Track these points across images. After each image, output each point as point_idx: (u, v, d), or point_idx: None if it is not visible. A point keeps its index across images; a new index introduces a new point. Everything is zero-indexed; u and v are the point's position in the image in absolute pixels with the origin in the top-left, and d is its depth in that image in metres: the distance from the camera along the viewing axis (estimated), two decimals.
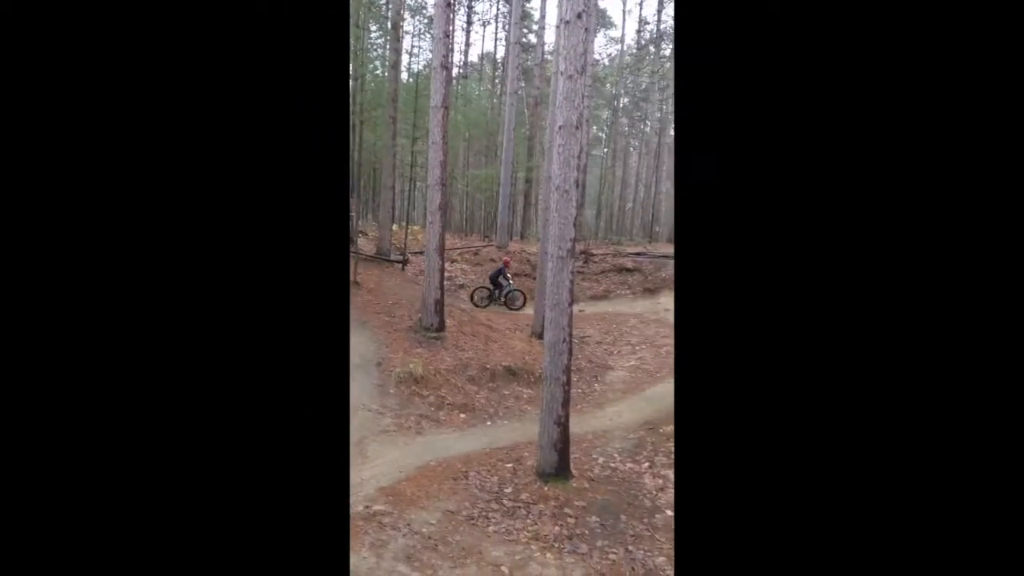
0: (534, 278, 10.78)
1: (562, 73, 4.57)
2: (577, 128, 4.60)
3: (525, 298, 10.85)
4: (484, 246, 14.93)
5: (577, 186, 4.68)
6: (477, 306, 10.49)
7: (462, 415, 6.72)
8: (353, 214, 10.35)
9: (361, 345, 6.94)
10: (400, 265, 11.06)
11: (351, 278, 8.46)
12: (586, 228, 18.08)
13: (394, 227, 12.27)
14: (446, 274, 9.11)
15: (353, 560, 3.11)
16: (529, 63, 19.79)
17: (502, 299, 10.78)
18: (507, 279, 10.91)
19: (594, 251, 14.44)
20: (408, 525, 3.68)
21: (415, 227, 14.79)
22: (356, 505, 3.81)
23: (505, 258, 11.84)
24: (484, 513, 3.99)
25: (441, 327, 7.86)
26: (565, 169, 4.54)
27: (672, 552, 3.83)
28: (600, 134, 26.79)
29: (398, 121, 11.60)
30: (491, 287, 10.82)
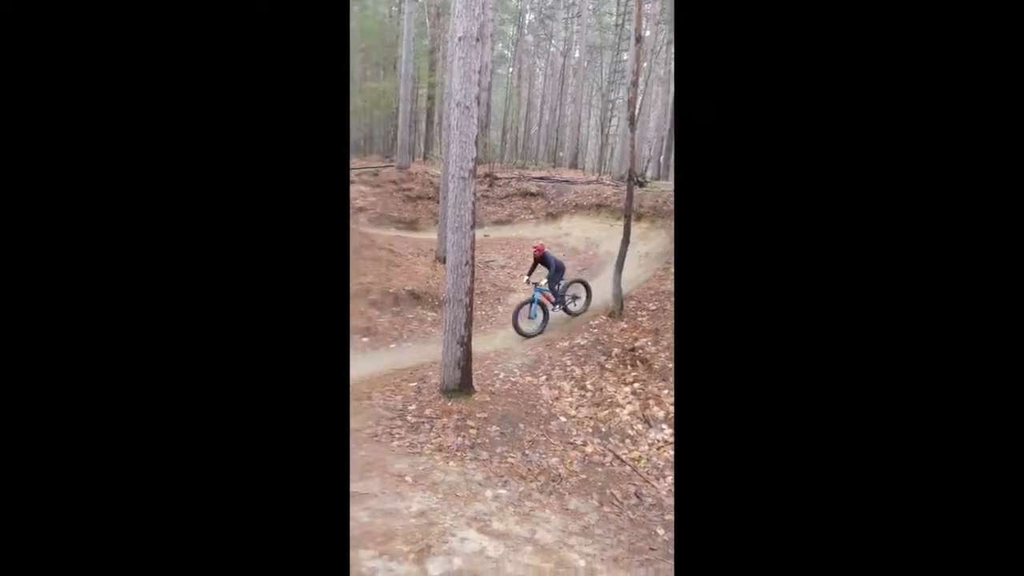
0: (438, 201, 10.56)
1: None
2: (478, 40, 4.40)
3: (588, 291, 7.66)
4: (384, 166, 14.27)
5: (479, 103, 4.55)
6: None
7: (364, 339, 6.68)
8: None
9: None
10: None
11: None
12: (491, 151, 17.76)
13: None
14: None
15: None
16: None
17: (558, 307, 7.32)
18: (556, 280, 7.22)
19: (499, 175, 14.32)
20: None
21: None
22: None
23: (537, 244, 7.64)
24: (388, 430, 4.10)
25: None
26: (466, 84, 4.38)
27: (563, 453, 4.20)
28: (506, 52, 25.79)
29: None
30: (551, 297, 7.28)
